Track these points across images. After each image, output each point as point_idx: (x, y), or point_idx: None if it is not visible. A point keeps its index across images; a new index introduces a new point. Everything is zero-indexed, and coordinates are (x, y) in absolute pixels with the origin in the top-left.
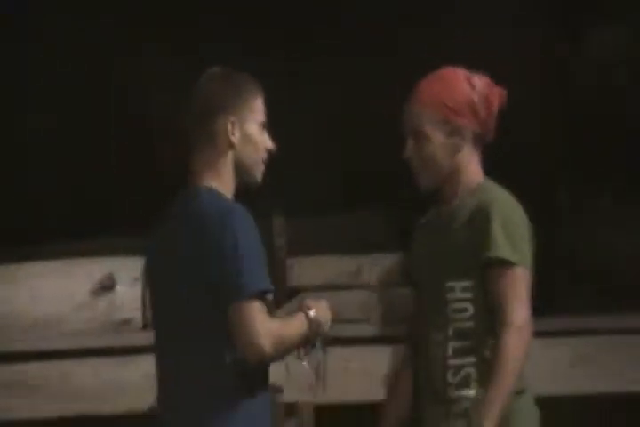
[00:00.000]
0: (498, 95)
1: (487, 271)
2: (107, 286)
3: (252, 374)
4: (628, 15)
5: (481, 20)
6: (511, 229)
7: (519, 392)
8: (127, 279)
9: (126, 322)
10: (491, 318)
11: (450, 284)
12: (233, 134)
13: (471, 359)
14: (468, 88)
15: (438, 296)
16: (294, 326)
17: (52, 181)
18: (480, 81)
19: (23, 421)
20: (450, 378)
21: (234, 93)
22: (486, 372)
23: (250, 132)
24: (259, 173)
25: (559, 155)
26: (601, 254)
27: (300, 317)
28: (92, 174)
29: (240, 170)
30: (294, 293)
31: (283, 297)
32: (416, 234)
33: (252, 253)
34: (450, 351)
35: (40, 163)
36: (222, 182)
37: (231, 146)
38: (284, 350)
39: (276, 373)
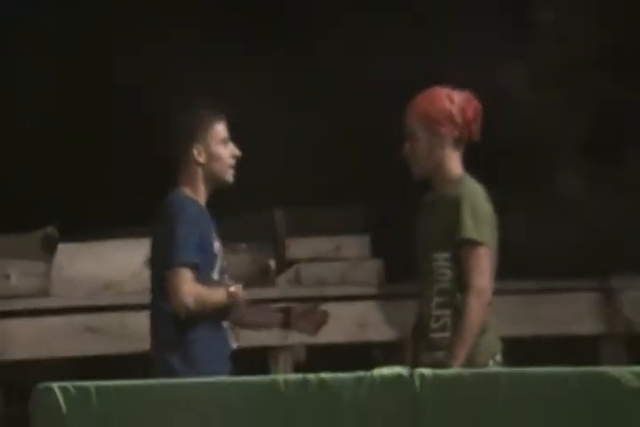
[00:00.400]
0: (473, 107)
1: (459, 248)
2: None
3: (188, 322)
4: None
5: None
6: (477, 216)
7: (482, 332)
8: None
9: None
10: (462, 280)
11: (435, 255)
12: (200, 156)
13: (447, 311)
14: (447, 102)
15: (427, 264)
16: (215, 292)
17: (132, 176)
18: (458, 96)
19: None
20: (433, 324)
21: (196, 127)
22: (457, 320)
23: (214, 151)
24: (229, 176)
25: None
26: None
27: (222, 289)
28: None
29: (212, 179)
30: (291, 264)
31: (283, 267)
32: (417, 215)
33: (183, 234)
34: (434, 305)
35: (127, 156)
36: (193, 190)
37: (200, 165)
38: (203, 306)
39: None
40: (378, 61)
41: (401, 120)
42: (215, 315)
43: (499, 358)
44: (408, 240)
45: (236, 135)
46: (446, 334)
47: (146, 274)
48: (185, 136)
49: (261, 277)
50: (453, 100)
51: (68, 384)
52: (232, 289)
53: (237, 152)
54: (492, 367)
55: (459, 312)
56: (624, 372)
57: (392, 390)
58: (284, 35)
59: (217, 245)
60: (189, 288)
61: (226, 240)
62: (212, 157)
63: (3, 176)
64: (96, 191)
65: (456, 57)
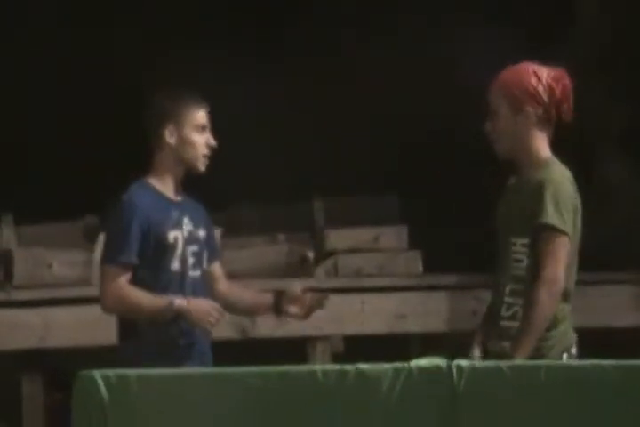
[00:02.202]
0: (562, 85)
1: (538, 233)
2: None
3: (129, 319)
4: None
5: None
6: (561, 202)
7: (553, 326)
8: None
9: None
10: (534, 267)
11: (513, 239)
12: (171, 138)
13: (519, 300)
14: (534, 79)
15: (505, 248)
16: (146, 297)
17: None
18: (547, 73)
19: None
20: (504, 312)
21: (172, 107)
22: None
23: (186, 135)
24: (200, 164)
25: None
26: None
27: (165, 300)
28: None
29: (182, 163)
30: (329, 255)
31: (321, 258)
32: (502, 196)
33: (118, 234)
34: (507, 291)
35: None
36: (157, 175)
37: (170, 147)
38: (125, 310)
39: None
40: (419, 47)
41: (447, 106)
42: (147, 320)
43: (574, 351)
44: (446, 231)
45: (274, 126)
46: (516, 324)
47: None
48: (158, 116)
49: (300, 267)
50: (540, 78)
51: (110, 372)
52: (176, 304)
53: (213, 142)
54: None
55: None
56: None
57: (429, 382)
58: (313, 29)
59: (177, 233)
60: (110, 287)
61: (264, 231)
62: (183, 140)
63: (46, 166)
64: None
65: (496, 43)
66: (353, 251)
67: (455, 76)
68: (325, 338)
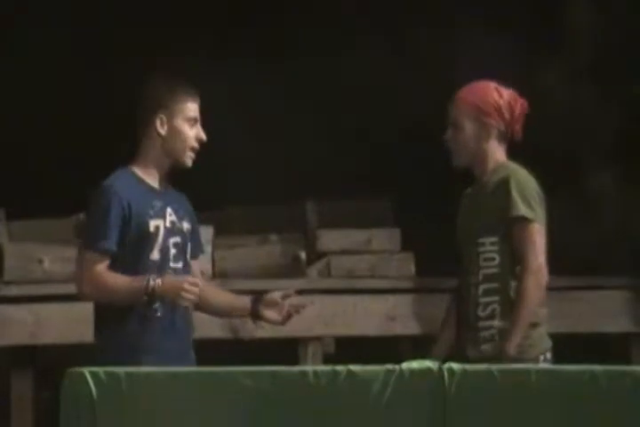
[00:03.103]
0: (520, 105)
1: (511, 227)
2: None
3: (106, 309)
4: None
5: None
6: (527, 194)
7: (534, 325)
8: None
9: (200, 273)
10: (512, 265)
11: (481, 240)
12: (162, 127)
13: (496, 298)
14: (496, 95)
15: (473, 249)
16: (124, 280)
17: None
18: (507, 92)
19: None
20: (480, 312)
21: (166, 96)
22: (508, 308)
23: (177, 126)
24: (187, 158)
25: None
26: None
27: (140, 279)
28: None
29: (169, 154)
30: (321, 256)
31: (313, 259)
32: (460, 205)
33: (98, 220)
34: (480, 292)
35: None
36: (143, 163)
37: (160, 136)
38: (103, 296)
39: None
40: (403, 51)
41: (445, 108)
42: (130, 304)
43: (549, 355)
44: (439, 234)
45: (268, 126)
46: (495, 322)
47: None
48: (151, 103)
49: (292, 268)
50: (502, 95)
51: (99, 369)
52: (151, 283)
53: (203, 136)
54: (542, 363)
55: (509, 300)
56: None
57: (420, 384)
58: (311, 30)
59: (158, 222)
60: (90, 275)
61: (257, 231)
62: (173, 131)
63: (38, 161)
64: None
65: (487, 55)
66: (345, 252)
67: (453, 78)
68: (317, 339)
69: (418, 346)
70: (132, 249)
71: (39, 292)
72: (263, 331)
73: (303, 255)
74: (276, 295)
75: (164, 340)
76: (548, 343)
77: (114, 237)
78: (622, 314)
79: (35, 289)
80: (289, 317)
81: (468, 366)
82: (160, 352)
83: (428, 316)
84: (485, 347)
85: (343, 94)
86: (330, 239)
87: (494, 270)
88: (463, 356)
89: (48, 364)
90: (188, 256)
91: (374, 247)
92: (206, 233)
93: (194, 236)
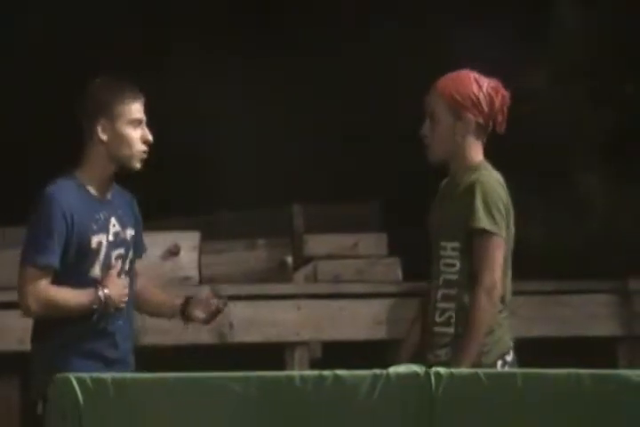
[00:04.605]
0: (501, 96)
1: (471, 238)
2: (174, 252)
3: (46, 324)
4: None
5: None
6: (491, 205)
7: (489, 332)
8: (188, 247)
9: (187, 278)
10: (472, 273)
11: (443, 243)
12: (104, 134)
13: (452, 305)
14: (475, 87)
15: (436, 252)
16: (71, 294)
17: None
18: (487, 83)
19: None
20: (437, 318)
21: (105, 100)
22: (462, 316)
23: (120, 130)
24: (135, 161)
25: None
26: None
27: (89, 291)
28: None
29: (115, 160)
30: (308, 260)
31: (300, 263)
32: (434, 201)
33: (38, 232)
34: (439, 296)
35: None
36: (87, 170)
37: (103, 143)
38: (54, 309)
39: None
40: (392, 55)
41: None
42: (76, 316)
43: (510, 358)
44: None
45: (254, 131)
46: (450, 330)
47: (165, 266)
48: (91, 108)
49: (278, 273)
50: (481, 86)
51: (85, 375)
52: (100, 293)
53: (149, 137)
54: (501, 368)
55: (464, 308)
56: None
57: (407, 389)
58: (293, 33)
59: (101, 237)
60: (32, 290)
61: (243, 236)
62: (117, 136)
63: (32, 167)
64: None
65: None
66: (332, 257)
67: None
68: (304, 344)
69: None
70: (73, 265)
71: None
72: (249, 336)
73: (290, 260)
74: (202, 294)
75: (100, 344)
76: (506, 346)
77: (56, 252)
78: (608, 318)
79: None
80: (214, 315)
81: (455, 370)
82: (96, 357)
83: None
84: (440, 352)
85: (330, 98)
86: (316, 244)
87: (454, 277)
88: (424, 360)
89: None
90: (128, 266)
91: (361, 252)
92: (193, 238)
93: (137, 238)
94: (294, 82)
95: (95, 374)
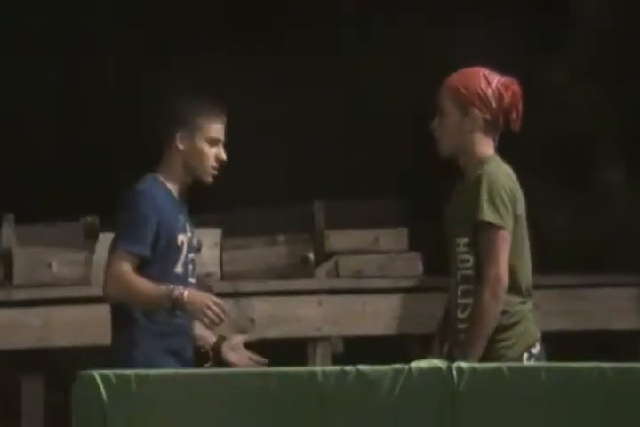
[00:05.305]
0: (511, 92)
1: (476, 232)
2: (196, 249)
3: (124, 313)
4: None
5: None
6: (496, 198)
7: (513, 324)
8: (209, 244)
9: (209, 275)
10: (477, 267)
11: (457, 240)
12: (181, 143)
13: (472, 300)
14: (484, 83)
15: (452, 249)
16: (149, 287)
17: None
18: (497, 80)
19: None
20: (459, 314)
21: (190, 113)
22: None
23: (196, 145)
24: (207, 176)
25: None
26: None
27: (165, 287)
28: None
29: (189, 170)
30: (330, 256)
31: (321, 259)
32: (449, 197)
33: (131, 223)
34: (459, 293)
35: None
36: (168, 175)
37: (179, 152)
38: (126, 296)
39: None
40: (420, 46)
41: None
42: (148, 310)
43: (536, 350)
44: (443, 231)
45: (274, 127)
46: None
47: None
48: (173, 118)
49: (300, 268)
50: (490, 82)
51: (109, 372)
52: (176, 292)
53: (223, 157)
54: (527, 361)
55: None
56: None
57: (429, 384)
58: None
59: (183, 237)
60: (117, 273)
61: (265, 232)
62: (193, 149)
63: (47, 165)
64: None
65: (494, 49)
66: (353, 252)
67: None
68: (325, 339)
69: (426, 345)
70: (160, 259)
71: (48, 295)
72: (271, 332)
73: (311, 256)
74: (238, 341)
75: (176, 342)
76: (532, 338)
77: (148, 244)
78: (631, 311)
79: (43, 293)
80: (249, 364)
81: (477, 365)
82: (172, 354)
83: (437, 315)
84: None
85: (351, 94)
86: (337, 239)
87: (469, 272)
88: (450, 356)
89: (58, 367)
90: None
91: (382, 247)
92: (214, 235)
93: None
94: (315, 78)
95: (119, 371)
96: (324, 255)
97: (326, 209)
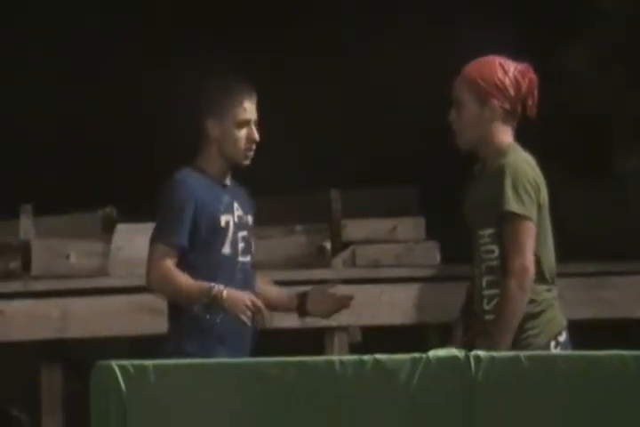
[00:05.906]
0: (528, 80)
1: (501, 222)
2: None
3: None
4: None
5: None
6: (520, 188)
7: (539, 313)
8: None
9: None
10: (503, 257)
11: (480, 232)
12: (213, 131)
13: (497, 291)
14: (500, 72)
15: (475, 240)
16: (188, 282)
17: None
18: (514, 67)
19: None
20: (485, 305)
21: (215, 100)
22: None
23: (226, 130)
24: (242, 158)
25: None
26: None
27: (205, 284)
28: None
29: (224, 156)
30: (346, 246)
31: (338, 248)
32: (468, 187)
33: (169, 214)
34: (484, 284)
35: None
36: (206, 162)
37: (213, 139)
38: (166, 290)
39: None
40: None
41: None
42: (186, 304)
43: (562, 338)
44: (463, 222)
45: (289, 117)
46: None
47: None
48: (201, 107)
49: (317, 258)
50: (507, 71)
51: (127, 363)
52: (214, 290)
53: (255, 136)
54: (554, 349)
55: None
56: None
57: (447, 373)
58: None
59: (228, 217)
60: (160, 267)
61: (282, 222)
62: (224, 135)
63: (64, 156)
64: (154, 172)
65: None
66: (370, 241)
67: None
68: (343, 329)
69: (444, 334)
70: (205, 244)
71: (66, 286)
72: (289, 321)
73: (328, 245)
74: (321, 292)
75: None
76: (559, 326)
77: (185, 233)
78: None
79: (61, 284)
80: (335, 311)
81: (495, 353)
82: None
83: (454, 304)
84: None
85: (368, 83)
86: (355, 229)
87: (494, 263)
88: (472, 346)
89: (77, 357)
90: (254, 249)
91: (399, 236)
92: None
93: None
94: (333, 67)
95: (137, 361)
96: (341, 245)
97: (343, 198)
